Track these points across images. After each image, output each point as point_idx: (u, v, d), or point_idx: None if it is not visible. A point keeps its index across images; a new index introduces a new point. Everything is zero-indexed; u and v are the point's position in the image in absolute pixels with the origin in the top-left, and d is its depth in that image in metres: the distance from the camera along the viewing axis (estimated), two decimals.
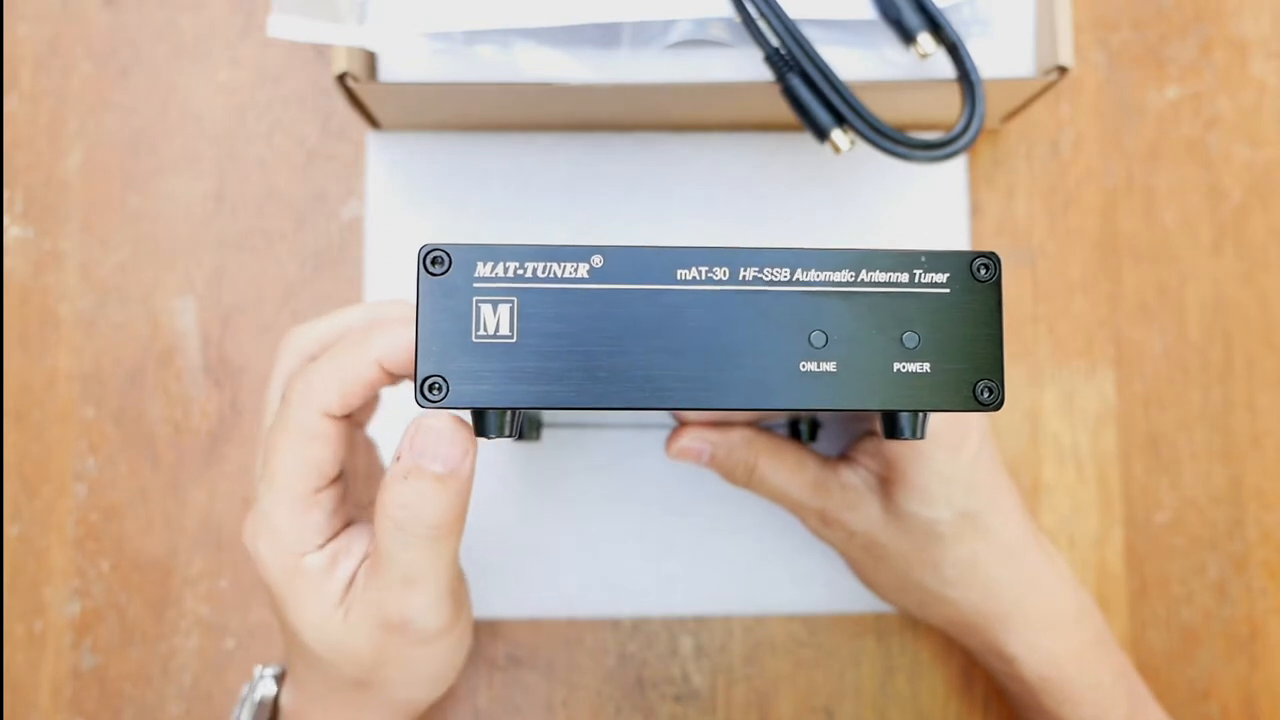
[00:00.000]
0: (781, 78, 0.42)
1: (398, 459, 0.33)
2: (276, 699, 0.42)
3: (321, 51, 0.52)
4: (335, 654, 0.37)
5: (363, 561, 0.37)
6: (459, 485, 0.33)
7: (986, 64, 0.44)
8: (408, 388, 0.40)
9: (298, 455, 0.36)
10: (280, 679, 0.43)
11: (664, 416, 0.42)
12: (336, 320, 0.39)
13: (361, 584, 0.36)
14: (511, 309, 0.29)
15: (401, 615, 0.35)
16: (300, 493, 0.36)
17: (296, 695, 0.41)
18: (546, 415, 0.44)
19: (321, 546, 0.36)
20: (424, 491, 0.33)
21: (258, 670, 0.43)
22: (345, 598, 0.36)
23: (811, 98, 0.42)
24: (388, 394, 0.41)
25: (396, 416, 0.41)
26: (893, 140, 0.42)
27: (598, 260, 0.29)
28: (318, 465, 0.36)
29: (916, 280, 0.29)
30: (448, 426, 0.33)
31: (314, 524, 0.36)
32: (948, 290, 0.29)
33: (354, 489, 0.40)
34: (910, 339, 0.29)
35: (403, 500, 0.33)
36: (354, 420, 0.39)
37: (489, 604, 0.50)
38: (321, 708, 0.40)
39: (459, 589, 0.38)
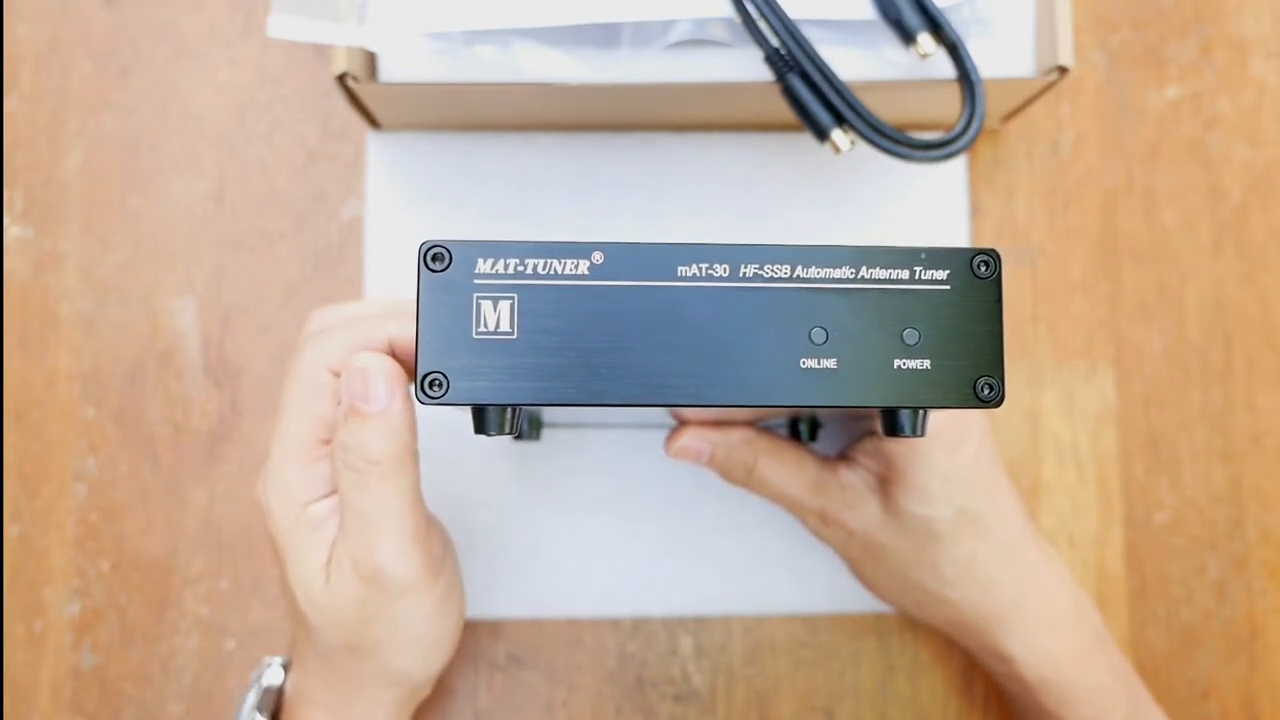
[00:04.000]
0: (781, 78, 0.42)
1: (339, 404, 0.35)
2: (283, 686, 0.43)
3: (321, 51, 0.52)
4: (321, 616, 0.38)
5: None
6: (392, 421, 0.35)
7: (986, 64, 0.44)
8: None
9: (304, 407, 0.37)
10: (288, 668, 0.43)
11: (664, 416, 0.42)
12: (358, 305, 0.41)
13: (338, 538, 0.37)
14: (512, 305, 0.29)
15: (370, 562, 0.36)
16: (306, 444, 0.37)
17: (298, 674, 0.42)
18: (546, 414, 0.44)
19: (326, 497, 0.38)
20: (360, 431, 0.35)
21: (265, 659, 0.44)
22: (331, 555, 0.37)
23: (811, 98, 0.42)
24: None
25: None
26: (893, 140, 0.42)
27: (598, 257, 0.29)
28: (323, 418, 0.37)
29: (917, 277, 0.29)
30: (373, 366, 0.35)
31: (320, 474, 0.38)
32: (948, 287, 0.29)
33: None
34: (910, 336, 0.29)
35: (345, 442, 0.35)
36: None
37: (489, 604, 0.50)
38: (320, 682, 0.40)
39: (431, 542, 0.38)
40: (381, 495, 0.35)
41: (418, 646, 0.40)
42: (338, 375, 0.37)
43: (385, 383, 0.34)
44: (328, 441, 0.37)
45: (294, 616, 0.40)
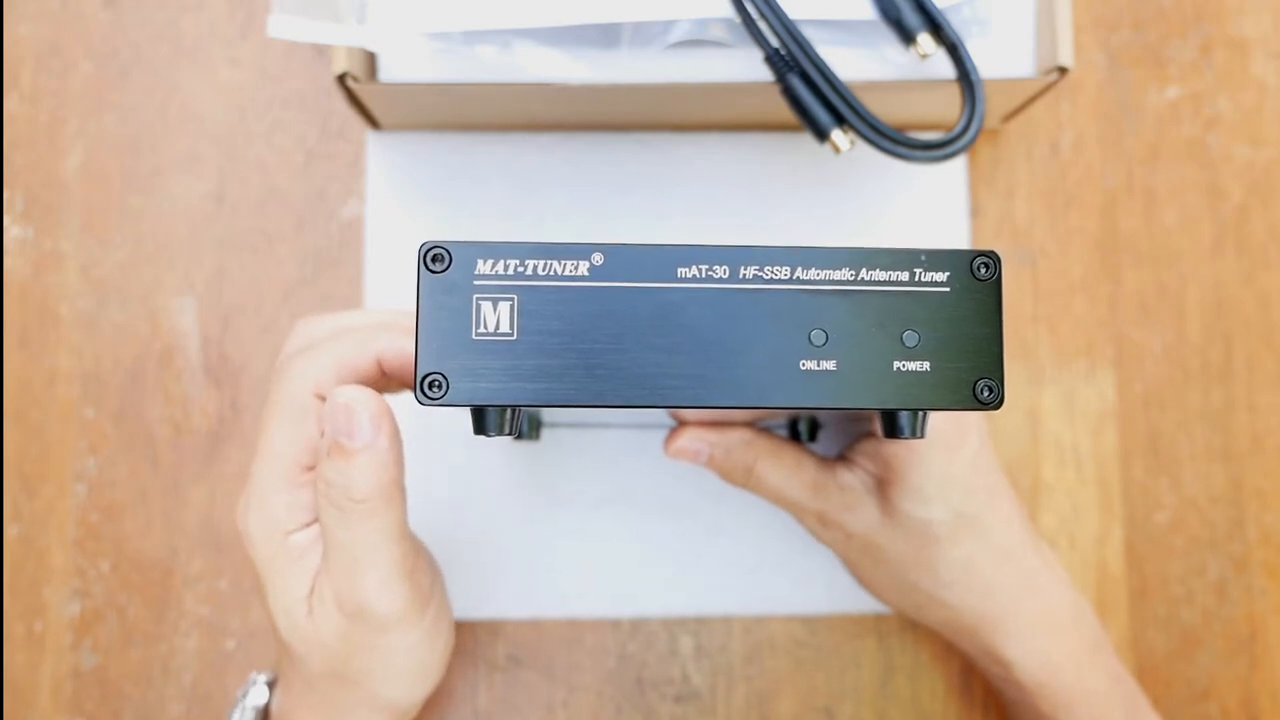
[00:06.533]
0: (781, 78, 0.42)
1: (322, 436, 0.34)
2: (268, 705, 0.42)
3: (321, 51, 0.52)
4: (305, 645, 0.37)
5: None
6: (377, 457, 0.34)
7: (986, 64, 0.44)
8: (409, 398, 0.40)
9: (288, 432, 0.36)
10: (273, 685, 0.43)
11: (663, 416, 0.42)
12: (344, 317, 0.40)
13: (321, 571, 0.36)
14: (512, 307, 0.29)
15: (355, 598, 0.35)
16: (289, 470, 0.36)
17: (284, 697, 0.41)
18: (546, 414, 0.44)
19: (308, 525, 0.37)
20: (344, 468, 0.33)
21: (251, 676, 0.43)
22: (314, 585, 0.37)
23: (811, 98, 0.42)
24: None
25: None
26: (893, 140, 0.42)
27: (598, 258, 0.29)
28: (308, 443, 0.36)
29: (917, 279, 0.29)
30: (357, 401, 0.33)
31: (302, 502, 0.36)
32: (948, 289, 0.29)
33: None
34: (910, 338, 0.29)
35: (329, 478, 0.34)
36: None
37: (489, 604, 0.50)
38: (306, 707, 0.40)
39: (419, 575, 0.38)
40: (366, 532, 0.34)
41: (404, 677, 0.39)
42: (323, 399, 0.36)
43: (370, 418, 0.33)
44: (311, 468, 0.36)
45: (279, 645, 0.39)
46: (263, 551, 0.37)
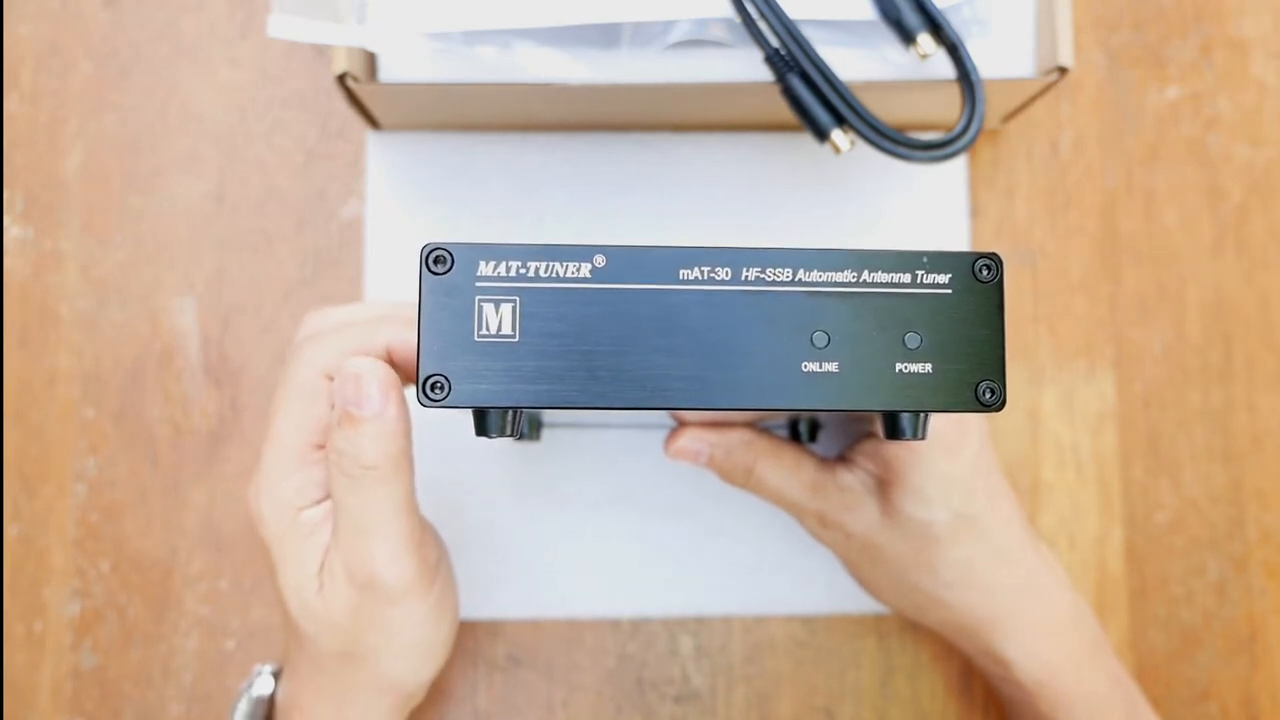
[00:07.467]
0: (781, 78, 0.42)
1: (333, 409, 0.35)
2: (273, 695, 0.43)
3: (321, 51, 0.52)
4: (315, 623, 0.37)
5: None
6: (386, 426, 0.34)
7: (986, 64, 0.44)
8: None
9: (298, 412, 0.37)
10: (278, 676, 0.43)
11: (664, 417, 0.42)
12: (355, 309, 0.40)
13: (332, 544, 0.37)
14: (514, 308, 0.29)
15: (364, 568, 0.36)
16: (299, 449, 0.37)
17: (290, 683, 0.41)
18: (547, 415, 0.44)
19: (319, 502, 0.37)
20: (354, 436, 0.34)
21: (256, 668, 0.43)
22: (325, 561, 0.37)
23: (811, 98, 0.42)
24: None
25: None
26: (893, 140, 0.42)
27: (600, 260, 0.29)
28: (317, 422, 0.37)
29: (918, 281, 0.29)
30: (366, 371, 0.34)
31: (313, 480, 0.37)
32: (950, 291, 0.29)
33: None
34: (912, 339, 0.29)
35: (339, 446, 0.35)
36: None
37: (489, 604, 0.50)
38: (313, 689, 0.40)
39: (426, 548, 0.38)
40: (375, 500, 0.35)
41: (411, 653, 0.39)
42: (333, 380, 0.36)
43: (379, 387, 0.34)
44: (321, 447, 0.37)
45: (287, 624, 0.39)
46: (274, 530, 0.37)
